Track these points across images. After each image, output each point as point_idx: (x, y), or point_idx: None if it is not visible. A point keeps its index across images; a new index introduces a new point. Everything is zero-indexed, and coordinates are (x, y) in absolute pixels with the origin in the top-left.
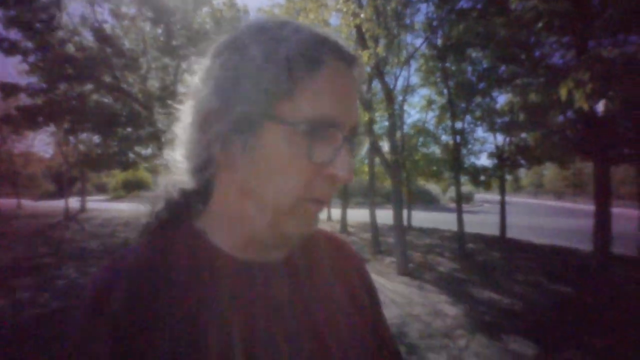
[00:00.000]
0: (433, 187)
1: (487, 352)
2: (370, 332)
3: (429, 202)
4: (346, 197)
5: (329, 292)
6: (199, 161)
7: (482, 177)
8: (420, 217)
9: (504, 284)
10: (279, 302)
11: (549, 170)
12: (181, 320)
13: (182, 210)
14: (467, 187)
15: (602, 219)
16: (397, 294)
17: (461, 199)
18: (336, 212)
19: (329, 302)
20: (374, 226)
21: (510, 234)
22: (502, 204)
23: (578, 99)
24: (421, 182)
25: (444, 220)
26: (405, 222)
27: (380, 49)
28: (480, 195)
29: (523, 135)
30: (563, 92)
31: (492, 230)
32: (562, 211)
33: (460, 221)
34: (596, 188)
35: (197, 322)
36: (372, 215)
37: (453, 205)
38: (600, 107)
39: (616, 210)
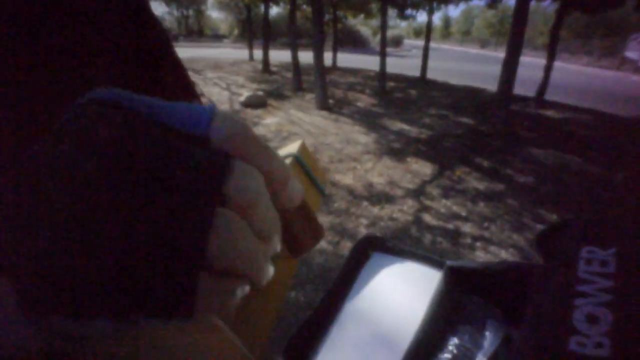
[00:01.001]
0: (364, 30)
1: (390, 172)
2: None
3: (359, 44)
4: (268, 37)
5: None
6: None
7: (410, 11)
8: (348, 59)
9: (416, 117)
10: None
11: (478, 19)
12: None
13: None
14: (397, 31)
15: (510, 63)
16: (313, 126)
17: (385, 34)
18: (258, 53)
19: None
20: (295, 65)
21: (432, 75)
22: (426, 46)
23: None
24: (351, 22)
25: (371, 62)
26: (331, 63)
27: None
28: (410, 41)
29: None
30: None
31: (416, 73)
32: (484, 58)
33: (383, 60)
34: (510, 35)
35: None
36: (294, 54)
37: None
38: None
39: (529, 59)
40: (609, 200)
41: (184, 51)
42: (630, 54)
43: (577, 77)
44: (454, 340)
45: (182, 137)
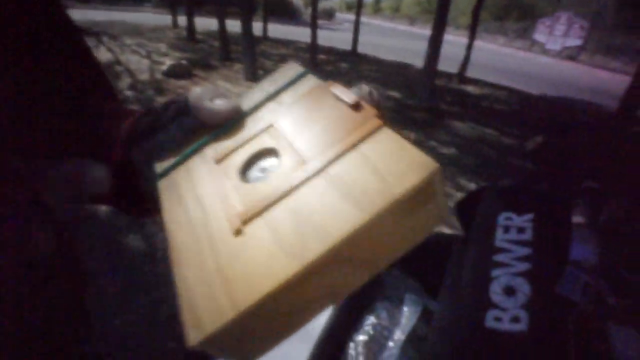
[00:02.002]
0: (295, 0)
1: None
2: None
3: (290, 15)
4: (192, 1)
5: None
6: None
7: None
8: (279, 30)
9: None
10: None
11: None
12: None
13: None
14: (329, 4)
15: (435, 40)
16: None
17: (317, 5)
18: (183, 20)
19: None
20: (222, 32)
21: (363, 50)
22: (357, 20)
23: None
24: None
25: (304, 34)
26: (261, 33)
27: None
28: (342, 15)
29: None
30: None
31: (348, 46)
32: (413, 35)
33: (314, 32)
34: (436, 14)
35: None
36: (221, 22)
37: None
38: None
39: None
40: (522, 169)
41: (98, 14)
42: (538, 36)
43: (494, 56)
44: (371, 320)
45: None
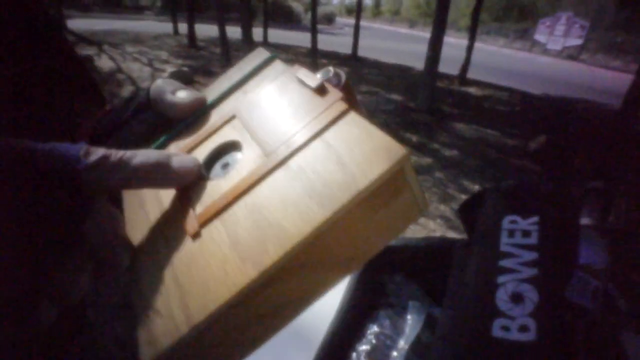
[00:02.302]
0: (295, 5)
1: None
2: None
3: (291, 20)
4: (193, 8)
5: None
6: None
7: None
8: (280, 35)
9: None
10: None
11: None
12: None
13: None
14: (329, 8)
15: (435, 43)
16: None
17: (316, 10)
18: (184, 27)
19: None
20: (223, 39)
21: (363, 53)
22: (357, 24)
23: None
24: None
25: (304, 39)
26: (261, 38)
27: None
28: (342, 19)
29: None
30: None
31: (348, 50)
32: (413, 38)
33: (314, 37)
34: (436, 16)
35: None
36: (221, 28)
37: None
38: None
39: (453, 39)
40: (525, 170)
41: (99, 23)
42: (539, 36)
43: (495, 57)
44: (374, 329)
45: (54, 172)
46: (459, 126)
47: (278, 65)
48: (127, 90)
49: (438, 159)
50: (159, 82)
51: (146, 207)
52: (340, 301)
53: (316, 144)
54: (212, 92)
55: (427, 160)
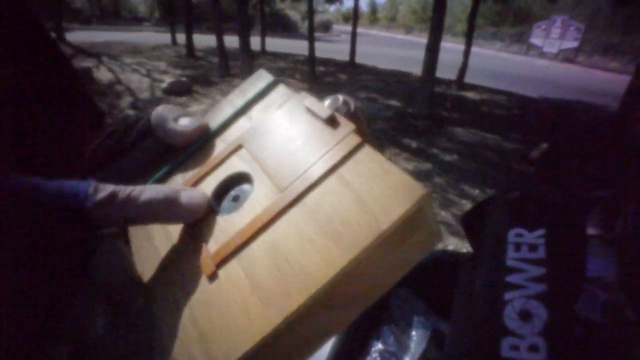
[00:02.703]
0: (292, 14)
1: None
2: None
3: (288, 29)
4: (190, 18)
5: None
6: None
7: None
8: (277, 43)
9: None
10: None
11: (403, 5)
12: None
13: None
14: (326, 16)
15: (432, 48)
16: None
17: (313, 18)
18: (181, 37)
19: None
20: (221, 49)
21: (360, 60)
22: (354, 31)
23: None
24: (279, 6)
25: (301, 47)
26: (259, 47)
27: None
28: (339, 27)
29: None
30: None
31: (345, 57)
32: (409, 43)
33: (311, 45)
34: (432, 22)
35: None
36: (219, 38)
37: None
38: None
39: (449, 44)
40: (526, 174)
41: (98, 35)
42: (535, 40)
43: (492, 61)
44: (378, 346)
45: (62, 210)
46: (458, 131)
47: (282, 90)
48: (125, 102)
49: (437, 164)
50: (160, 109)
51: (155, 242)
52: None
53: (332, 179)
54: (214, 117)
55: (426, 166)
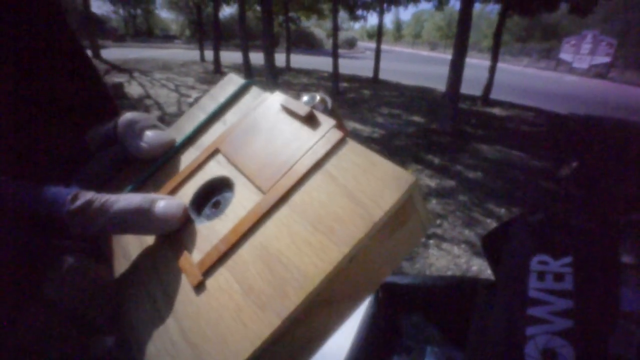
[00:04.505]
0: (318, 31)
1: None
2: None
3: (313, 46)
4: (219, 37)
5: None
6: None
7: (360, 11)
8: (302, 60)
9: (369, 117)
10: None
11: (428, 22)
12: None
13: None
14: (351, 33)
15: (457, 64)
16: None
17: (337, 34)
18: (210, 54)
19: None
20: (246, 65)
21: (384, 76)
22: (378, 47)
23: None
24: (305, 24)
25: (326, 64)
26: (284, 64)
27: None
28: (364, 44)
29: None
30: None
31: (369, 74)
32: (434, 60)
33: (335, 61)
34: (457, 38)
35: None
36: (245, 55)
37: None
38: None
39: (475, 60)
40: (554, 193)
41: (132, 52)
42: (564, 55)
43: (518, 77)
44: None
45: (43, 217)
46: (483, 148)
47: (256, 92)
48: (154, 115)
49: (461, 182)
50: (128, 116)
51: (130, 255)
52: (352, 343)
53: (318, 176)
54: (186, 124)
55: (450, 183)
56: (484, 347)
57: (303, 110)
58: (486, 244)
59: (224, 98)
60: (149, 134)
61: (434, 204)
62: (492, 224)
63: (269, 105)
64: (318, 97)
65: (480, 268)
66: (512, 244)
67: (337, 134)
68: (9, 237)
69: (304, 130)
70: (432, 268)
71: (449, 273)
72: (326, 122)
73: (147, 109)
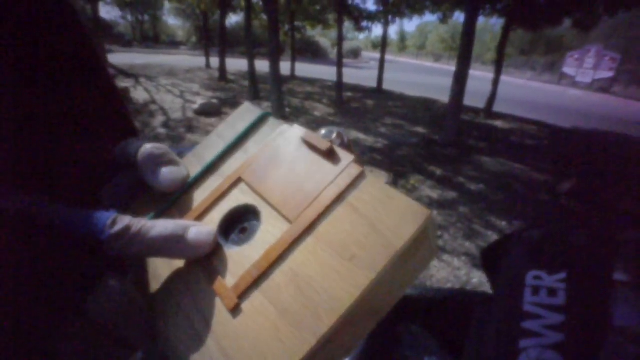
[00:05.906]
0: (323, 41)
1: None
2: None
3: (318, 55)
4: (224, 44)
5: None
6: None
7: (365, 23)
8: (307, 69)
9: (372, 127)
10: None
11: (432, 34)
12: None
13: None
14: (356, 43)
15: (461, 76)
16: None
17: (342, 44)
18: (216, 61)
19: None
20: (251, 73)
21: (388, 86)
22: (382, 58)
23: None
24: (310, 33)
25: (330, 73)
26: (289, 72)
27: None
28: (368, 54)
29: None
30: None
31: (374, 84)
32: (438, 71)
33: (339, 70)
34: (461, 50)
35: None
36: (251, 63)
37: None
38: None
39: (479, 73)
40: (554, 208)
41: (138, 57)
42: (567, 69)
43: (522, 90)
44: None
45: (81, 240)
46: (485, 160)
47: (274, 122)
48: (158, 121)
49: (463, 193)
50: (147, 149)
51: (162, 280)
52: (351, 353)
53: (341, 207)
54: (205, 151)
55: (451, 194)
56: (479, 358)
57: (324, 145)
58: (485, 258)
59: (243, 127)
60: (164, 171)
61: (435, 215)
62: (492, 236)
63: (289, 138)
64: (335, 132)
65: (480, 280)
66: (509, 259)
67: (356, 169)
68: (56, 258)
69: (324, 163)
70: (432, 279)
71: (449, 285)
72: (345, 157)
73: (152, 114)
